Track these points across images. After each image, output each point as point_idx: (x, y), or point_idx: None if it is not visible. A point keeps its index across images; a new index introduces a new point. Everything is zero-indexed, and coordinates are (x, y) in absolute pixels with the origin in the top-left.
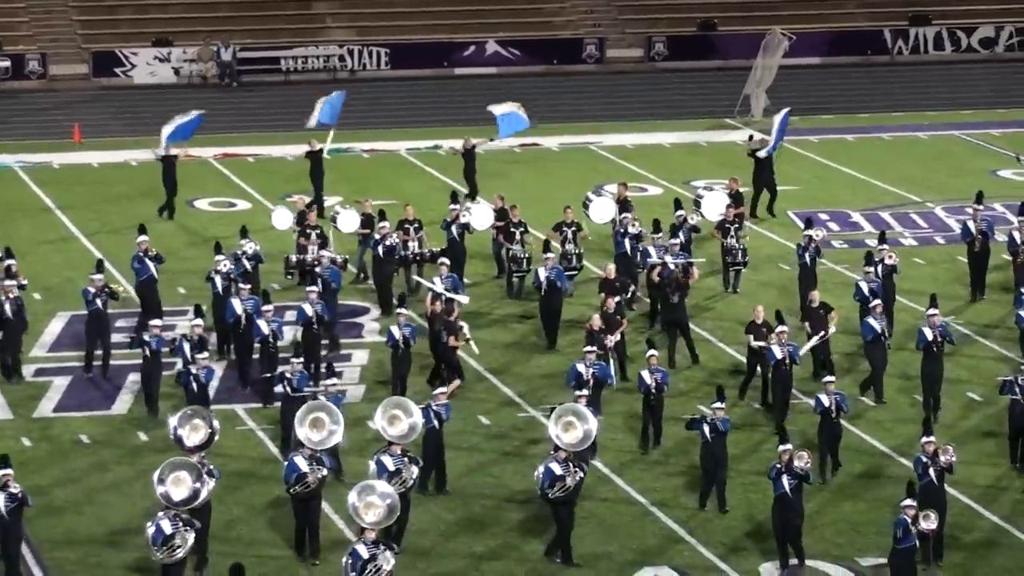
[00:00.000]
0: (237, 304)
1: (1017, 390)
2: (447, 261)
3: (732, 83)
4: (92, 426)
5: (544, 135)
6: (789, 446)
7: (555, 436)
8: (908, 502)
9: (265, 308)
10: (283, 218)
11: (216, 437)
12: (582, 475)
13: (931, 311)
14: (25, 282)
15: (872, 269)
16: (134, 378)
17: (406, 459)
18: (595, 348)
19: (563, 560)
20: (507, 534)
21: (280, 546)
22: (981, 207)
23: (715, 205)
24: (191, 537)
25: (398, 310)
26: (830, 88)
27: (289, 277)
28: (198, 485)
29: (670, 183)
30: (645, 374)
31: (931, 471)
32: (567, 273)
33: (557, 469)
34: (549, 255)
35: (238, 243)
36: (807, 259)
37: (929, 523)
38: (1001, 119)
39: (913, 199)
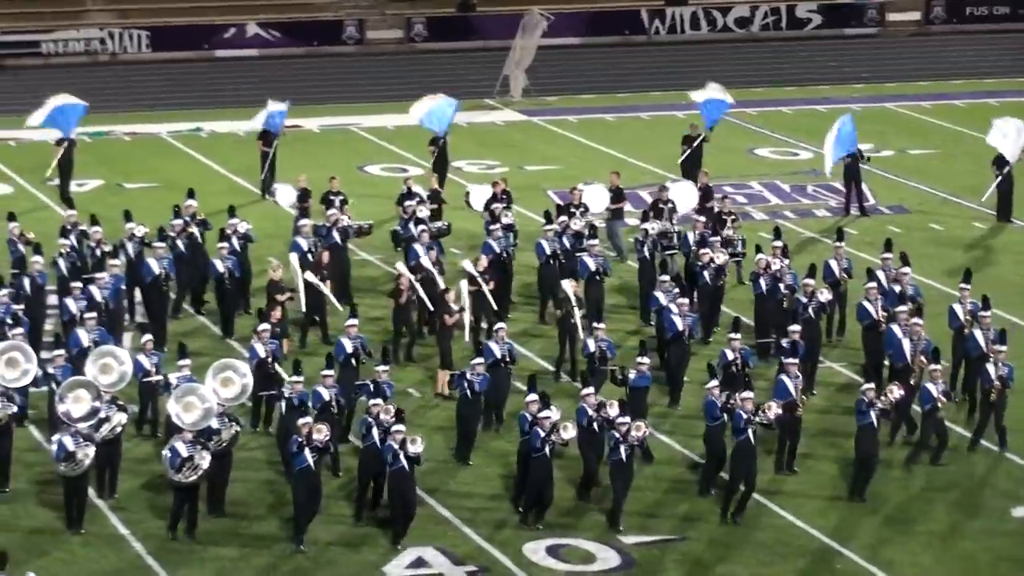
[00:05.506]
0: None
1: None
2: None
3: (492, 64)
4: None
5: (305, 117)
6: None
7: (214, 391)
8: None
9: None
10: (480, 195)
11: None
12: (238, 428)
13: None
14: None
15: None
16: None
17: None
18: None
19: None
20: None
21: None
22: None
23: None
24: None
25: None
26: (589, 68)
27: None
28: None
29: (428, 164)
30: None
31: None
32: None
33: (216, 424)
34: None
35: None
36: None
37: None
38: (758, 98)
39: (672, 178)
